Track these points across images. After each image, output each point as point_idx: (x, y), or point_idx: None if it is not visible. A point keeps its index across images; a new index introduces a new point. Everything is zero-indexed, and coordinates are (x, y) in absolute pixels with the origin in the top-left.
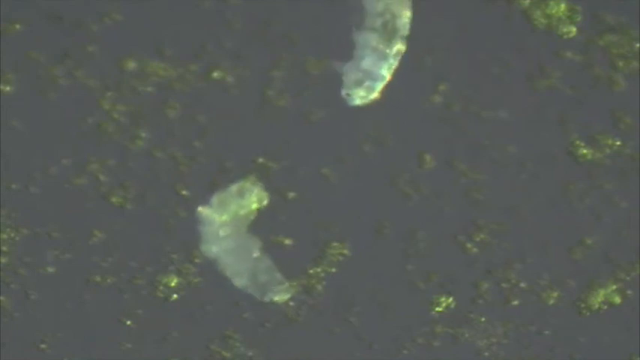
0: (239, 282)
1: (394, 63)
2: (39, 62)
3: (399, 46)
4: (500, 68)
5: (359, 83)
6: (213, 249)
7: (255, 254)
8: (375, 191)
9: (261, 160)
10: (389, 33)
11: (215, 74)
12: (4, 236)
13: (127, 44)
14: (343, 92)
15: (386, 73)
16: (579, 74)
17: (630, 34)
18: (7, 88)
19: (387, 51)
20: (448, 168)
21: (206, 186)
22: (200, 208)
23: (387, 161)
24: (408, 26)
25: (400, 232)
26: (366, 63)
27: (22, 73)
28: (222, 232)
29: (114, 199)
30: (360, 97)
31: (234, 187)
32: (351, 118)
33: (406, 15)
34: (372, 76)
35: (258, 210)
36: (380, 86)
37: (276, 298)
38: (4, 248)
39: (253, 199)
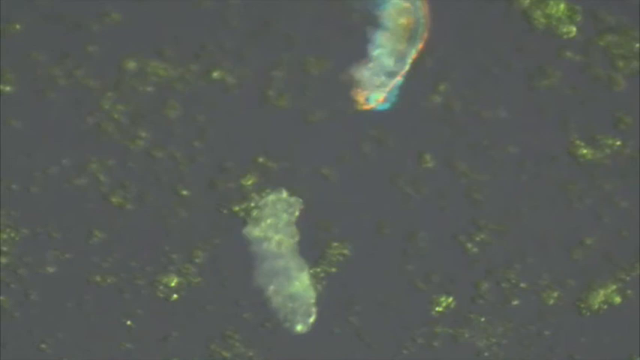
0: (275, 301)
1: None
2: (39, 62)
3: (415, 48)
4: (500, 68)
5: (376, 86)
6: (266, 266)
7: (304, 280)
8: (375, 191)
9: (261, 160)
10: (409, 35)
11: (215, 74)
12: (4, 236)
13: (127, 44)
14: (362, 97)
15: (400, 74)
16: (579, 74)
17: (630, 34)
18: (7, 88)
19: (404, 52)
20: (448, 168)
21: (206, 186)
22: (244, 230)
23: (387, 161)
24: (426, 29)
25: (400, 232)
26: (382, 65)
27: (22, 73)
28: (274, 248)
29: (114, 199)
30: (377, 100)
31: (266, 202)
32: (351, 119)
33: (426, 18)
34: (388, 78)
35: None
36: (396, 87)
37: (298, 329)
38: (4, 248)
39: (290, 209)
